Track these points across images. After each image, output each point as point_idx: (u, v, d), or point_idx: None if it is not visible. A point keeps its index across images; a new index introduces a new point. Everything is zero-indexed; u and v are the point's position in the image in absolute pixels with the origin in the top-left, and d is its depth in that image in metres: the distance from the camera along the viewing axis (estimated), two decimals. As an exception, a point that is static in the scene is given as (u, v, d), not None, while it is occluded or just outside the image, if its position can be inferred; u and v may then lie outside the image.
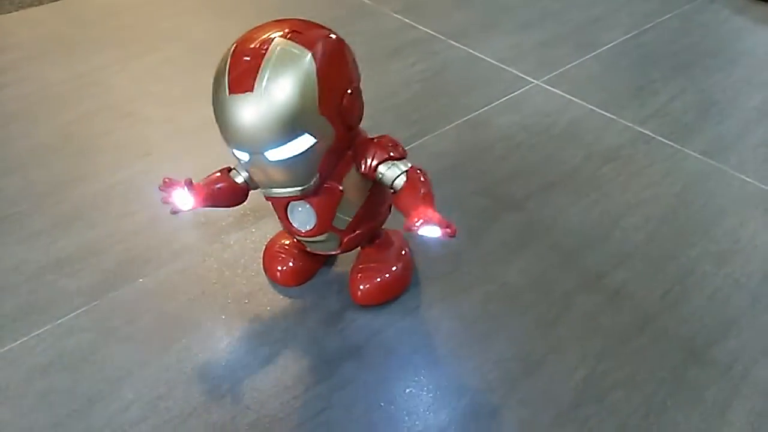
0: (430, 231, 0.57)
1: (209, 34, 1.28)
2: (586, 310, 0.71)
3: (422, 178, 0.62)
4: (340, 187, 0.63)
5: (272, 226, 0.71)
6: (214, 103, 0.57)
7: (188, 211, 0.65)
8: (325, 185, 0.62)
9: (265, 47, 0.55)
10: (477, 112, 1.04)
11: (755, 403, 0.62)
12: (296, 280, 0.74)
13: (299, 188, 0.60)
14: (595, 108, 1.05)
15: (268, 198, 0.63)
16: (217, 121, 0.57)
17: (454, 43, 1.24)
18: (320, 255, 0.74)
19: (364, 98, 0.62)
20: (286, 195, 0.61)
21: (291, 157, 0.57)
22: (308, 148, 0.57)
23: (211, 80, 0.57)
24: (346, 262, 0.76)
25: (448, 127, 1.01)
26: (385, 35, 1.27)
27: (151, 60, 1.20)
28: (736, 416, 0.61)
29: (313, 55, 0.56)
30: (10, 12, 1.39)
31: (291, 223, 0.66)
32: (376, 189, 0.66)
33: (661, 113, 1.04)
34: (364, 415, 0.61)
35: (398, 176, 0.62)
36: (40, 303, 0.74)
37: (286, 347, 0.68)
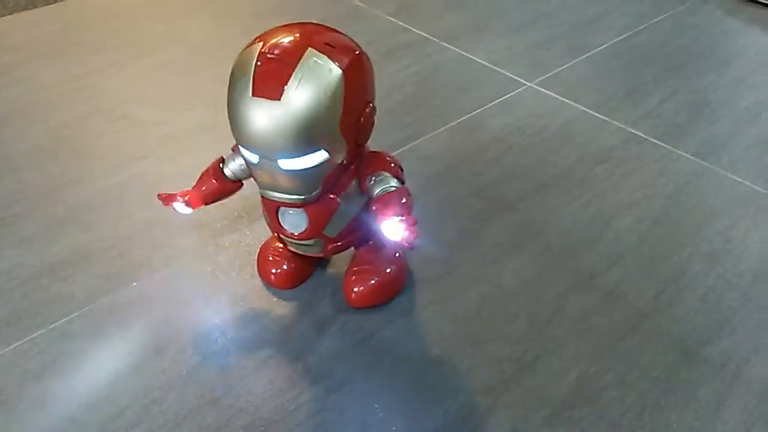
0: (395, 228, 0.57)
1: (205, 37, 1.28)
2: (579, 311, 0.72)
3: (408, 195, 0.62)
4: (338, 200, 0.63)
5: (266, 229, 0.71)
6: (230, 100, 0.56)
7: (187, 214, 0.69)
8: (323, 195, 0.62)
9: (297, 56, 0.54)
10: (470, 114, 1.05)
11: (748, 402, 0.63)
12: (290, 282, 0.74)
13: (301, 197, 0.60)
14: (587, 110, 1.06)
15: (263, 196, 0.63)
16: (231, 118, 0.57)
17: (446, 45, 1.24)
18: (314, 258, 0.75)
19: None
20: (286, 201, 0.61)
21: (302, 169, 0.57)
22: (321, 162, 0.58)
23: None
24: (340, 264, 0.76)
25: (441, 130, 1.01)
26: (377, 38, 1.27)
27: (147, 63, 1.20)
28: (729, 415, 0.61)
29: (342, 71, 0.55)
30: (4, 15, 1.39)
31: (281, 224, 0.66)
32: (369, 202, 0.66)
33: (654, 114, 1.04)
34: (359, 417, 0.62)
35: (385, 186, 0.62)
36: (33, 307, 0.73)
37: (280, 350, 0.68)
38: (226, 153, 0.68)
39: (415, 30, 1.30)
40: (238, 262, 0.78)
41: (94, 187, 0.91)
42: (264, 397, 0.63)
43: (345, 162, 0.61)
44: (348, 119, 0.57)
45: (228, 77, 0.57)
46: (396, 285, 0.73)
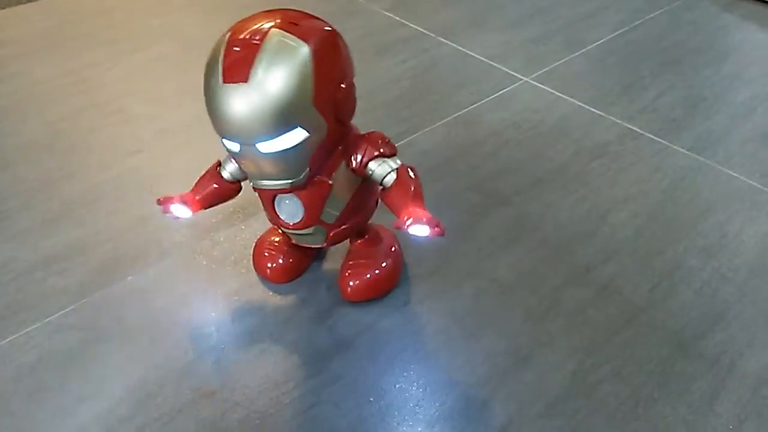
0: (420, 230, 0.57)
1: (199, 31, 1.27)
2: (574, 305, 0.72)
3: (412, 176, 0.62)
4: (330, 182, 0.63)
5: (262, 223, 0.71)
6: (205, 92, 0.56)
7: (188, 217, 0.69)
8: (315, 179, 0.62)
9: (261, 37, 0.54)
10: (467, 109, 1.05)
11: (742, 395, 0.63)
12: (286, 276, 0.74)
13: (289, 181, 0.60)
14: (583, 105, 1.06)
15: (256, 189, 0.63)
16: (208, 109, 0.57)
17: (443, 40, 1.24)
18: (310, 251, 0.74)
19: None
20: (276, 187, 0.61)
21: (283, 150, 0.57)
22: (300, 142, 0.57)
23: (203, 70, 0.56)
24: (335, 258, 0.76)
25: (438, 124, 1.01)
26: (375, 33, 1.27)
27: (141, 57, 1.20)
28: (723, 408, 0.62)
29: (309, 47, 0.55)
30: (-2, 9, 1.38)
31: (278, 215, 0.66)
32: (364, 184, 0.66)
33: (650, 109, 1.04)
34: (354, 410, 0.62)
35: (388, 173, 0.62)
36: (28, 301, 0.73)
37: (276, 343, 0.68)
38: (219, 148, 0.68)
39: (411, 25, 1.29)
40: (233, 256, 0.78)
41: (89, 181, 0.91)
42: (259, 390, 0.63)
43: (329, 141, 0.60)
44: (322, 95, 0.56)
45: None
46: (391, 279, 0.73)
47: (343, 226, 0.68)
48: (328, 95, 0.57)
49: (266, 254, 0.74)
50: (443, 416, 0.61)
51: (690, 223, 0.82)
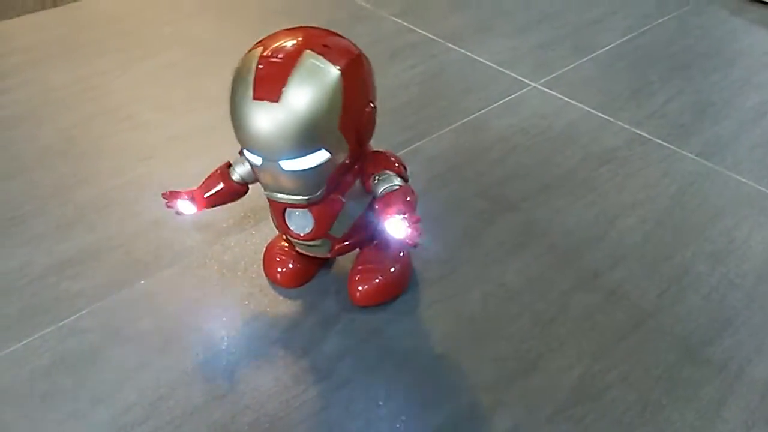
0: (398, 225, 0.58)
1: (211, 39, 1.29)
2: (582, 310, 0.72)
3: (411, 193, 0.63)
4: (343, 199, 0.64)
5: (272, 229, 0.72)
6: (233, 104, 0.57)
7: (192, 214, 0.70)
8: (328, 195, 0.63)
9: (294, 57, 0.55)
10: (474, 115, 1.05)
11: (750, 401, 0.63)
12: (296, 281, 0.75)
13: (306, 198, 0.61)
14: (591, 110, 1.06)
15: (269, 198, 0.64)
16: (234, 121, 0.58)
17: (451, 46, 1.25)
18: (320, 257, 0.75)
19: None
20: (291, 202, 0.62)
21: (304, 169, 0.58)
22: (322, 162, 0.58)
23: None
24: (344, 263, 0.77)
25: (445, 130, 1.02)
26: (382, 39, 1.28)
27: (152, 64, 1.22)
28: (730, 414, 0.62)
29: (340, 71, 0.56)
30: (12, 17, 1.40)
31: (287, 226, 0.67)
32: (374, 201, 0.67)
33: (658, 115, 1.05)
34: (363, 413, 0.62)
35: (389, 185, 0.63)
36: (43, 305, 0.75)
37: (285, 347, 0.69)
38: (229, 154, 0.69)
39: (419, 31, 1.30)
40: (243, 261, 0.79)
41: (102, 186, 0.92)
42: (269, 393, 0.64)
43: (348, 162, 0.62)
44: (348, 119, 0.58)
45: (231, 79, 0.58)
46: (400, 284, 0.74)
47: (349, 241, 0.69)
48: (354, 119, 0.59)
49: (276, 259, 0.75)
50: (451, 420, 0.62)
51: (698, 229, 0.83)
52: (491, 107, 1.07)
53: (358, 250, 0.73)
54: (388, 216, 0.60)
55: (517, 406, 0.63)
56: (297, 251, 0.74)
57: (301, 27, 0.61)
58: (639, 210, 0.86)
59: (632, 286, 0.75)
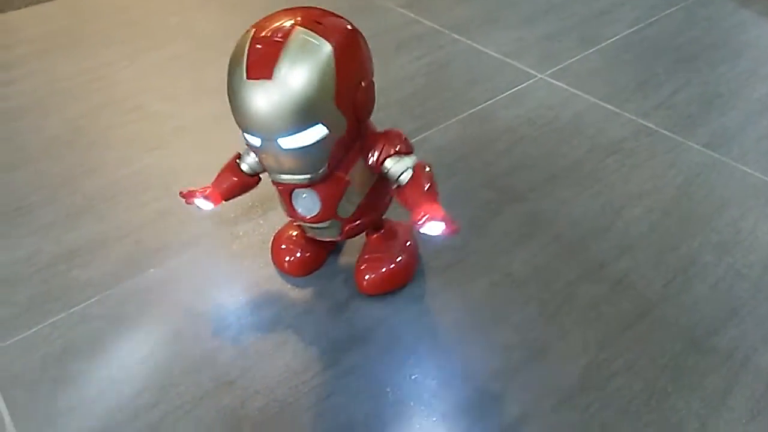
0: (434, 228, 0.58)
1: (216, 30, 1.29)
2: (588, 300, 0.72)
3: (427, 174, 0.63)
4: (347, 178, 0.64)
5: (280, 218, 0.73)
6: (229, 87, 0.57)
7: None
8: (333, 175, 0.63)
9: (285, 35, 0.56)
10: (481, 106, 1.05)
11: (755, 390, 0.63)
12: (304, 270, 0.76)
13: (308, 176, 0.61)
14: (598, 101, 1.06)
15: (275, 182, 0.65)
16: (231, 104, 0.58)
17: (458, 37, 1.25)
18: (327, 245, 0.76)
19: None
20: (295, 182, 0.62)
21: (303, 146, 0.58)
22: (321, 139, 0.58)
23: (225, 66, 0.58)
24: (352, 252, 0.78)
25: (452, 121, 1.02)
26: (389, 30, 1.28)
27: (159, 55, 1.22)
28: (735, 402, 0.62)
29: (332, 46, 0.56)
30: (19, 8, 1.41)
31: (295, 209, 0.67)
32: (380, 180, 0.67)
33: (665, 106, 1.04)
34: (371, 400, 0.63)
35: (404, 171, 0.63)
36: (53, 292, 0.75)
37: (294, 335, 0.69)
38: (235, 144, 0.69)
39: (426, 22, 1.30)
40: (252, 250, 0.80)
41: (110, 177, 0.93)
42: (279, 379, 0.65)
43: (348, 138, 0.61)
44: (343, 93, 0.58)
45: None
46: (407, 273, 0.74)
47: (358, 221, 0.69)
48: (349, 93, 0.59)
49: (284, 248, 0.75)
50: (457, 408, 0.62)
51: (704, 219, 0.83)
52: (498, 98, 1.07)
53: (365, 237, 0.73)
54: (421, 218, 0.59)
55: (524, 394, 0.63)
56: (305, 240, 0.74)
57: (291, 8, 0.60)
58: (645, 200, 0.86)
59: (638, 276, 0.75)
